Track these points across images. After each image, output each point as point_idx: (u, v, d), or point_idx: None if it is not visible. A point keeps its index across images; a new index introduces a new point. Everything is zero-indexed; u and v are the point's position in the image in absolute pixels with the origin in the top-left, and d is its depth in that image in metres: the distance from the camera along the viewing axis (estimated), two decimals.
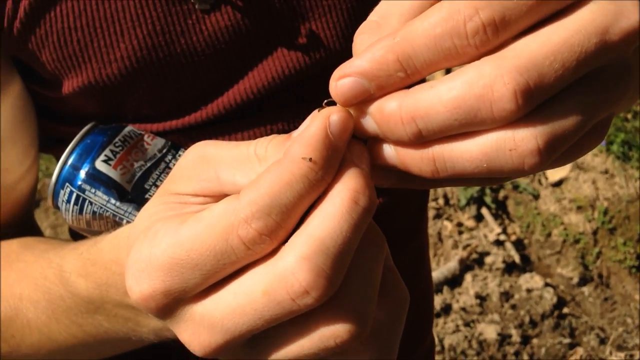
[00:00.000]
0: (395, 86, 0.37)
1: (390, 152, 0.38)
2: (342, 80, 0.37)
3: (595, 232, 2.79)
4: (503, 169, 0.35)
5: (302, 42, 0.66)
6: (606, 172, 2.90)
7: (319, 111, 0.39)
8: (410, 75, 0.36)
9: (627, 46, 0.35)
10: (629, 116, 3.07)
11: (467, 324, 2.52)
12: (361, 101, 0.38)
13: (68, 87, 0.64)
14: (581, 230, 2.79)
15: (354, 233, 0.36)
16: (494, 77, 0.33)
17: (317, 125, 0.37)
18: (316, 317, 0.37)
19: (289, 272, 0.35)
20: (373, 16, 0.40)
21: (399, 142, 0.38)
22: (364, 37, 0.40)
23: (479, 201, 2.82)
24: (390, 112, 0.36)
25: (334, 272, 0.35)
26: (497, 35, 0.34)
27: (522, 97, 0.33)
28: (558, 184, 2.90)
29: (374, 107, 0.37)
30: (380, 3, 0.40)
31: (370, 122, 0.38)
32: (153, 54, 0.62)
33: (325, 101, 0.40)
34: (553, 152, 0.35)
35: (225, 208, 0.37)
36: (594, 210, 2.83)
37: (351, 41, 0.66)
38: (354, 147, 0.39)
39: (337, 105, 0.39)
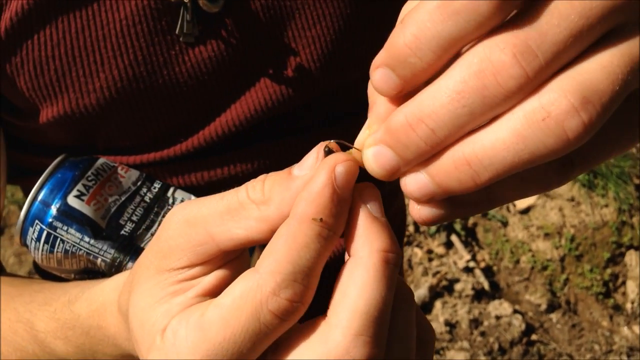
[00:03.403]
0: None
1: (424, 180, 0.35)
2: (376, 73, 0.35)
3: (562, 259, 2.82)
4: (546, 146, 0.31)
5: (286, 73, 0.64)
6: (572, 199, 2.94)
7: (326, 148, 0.37)
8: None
9: None
10: None
11: (436, 352, 2.50)
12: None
13: (43, 116, 0.61)
14: (549, 257, 2.81)
15: (390, 292, 0.35)
16: (489, 49, 0.31)
17: (322, 180, 0.35)
18: None
19: (343, 352, 0.34)
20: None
21: (421, 157, 0.34)
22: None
23: (448, 228, 2.83)
24: (397, 125, 0.34)
25: (382, 336, 0.35)
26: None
27: (524, 57, 0.30)
28: (526, 211, 2.93)
29: (383, 130, 0.35)
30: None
31: (386, 151, 0.35)
32: (134, 85, 0.59)
33: (326, 147, 0.38)
34: (594, 110, 0.30)
35: (247, 286, 0.35)
36: (561, 237, 2.85)
37: (334, 72, 0.66)
38: (364, 191, 0.38)
39: (340, 153, 0.37)
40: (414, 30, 0.32)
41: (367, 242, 0.36)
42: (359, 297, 0.34)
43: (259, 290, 0.34)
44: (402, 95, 0.36)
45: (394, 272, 0.36)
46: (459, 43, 0.32)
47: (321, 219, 0.35)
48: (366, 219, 0.37)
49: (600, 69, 0.31)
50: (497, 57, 0.31)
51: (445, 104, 0.32)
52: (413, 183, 0.35)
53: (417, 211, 0.38)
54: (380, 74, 0.35)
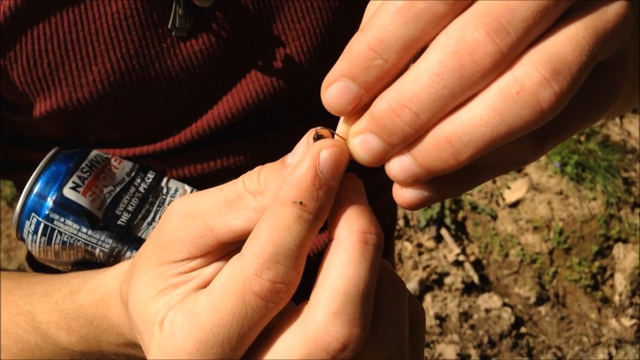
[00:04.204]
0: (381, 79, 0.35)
1: (407, 162, 0.35)
2: (330, 89, 0.36)
3: (551, 252, 2.84)
4: (522, 118, 0.32)
5: (277, 66, 0.65)
6: (561, 193, 2.96)
7: (315, 135, 0.38)
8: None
9: None
10: (582, 138, 3.15)
11: (426, 345, 2.52)
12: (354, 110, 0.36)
13: (36, 110, 0.61)
14: (537, 251, 2.84)
15: (371, 273, 0.35)
16: (463, 29, 0.32)
17: (305, 165, 0.36)
18: None
19: (323, 332, 0.34)
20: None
21: (406, 140, 0.35)
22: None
23: (438, 222, 2.84)
24: (381, 111, 0.34)
25: (364, 317, 0.35)
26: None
27: (497, 34, 0.31)
28: (515, 204, 2.95)
29: (367, 118, 0.35)
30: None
31: (372, 138, 0.36)
32: (127, 78, 0.59)
33: (316, 133, 0.38)
34: (564, 81, 0.31)
35: (232, 270, 0.36)
36: (549, 230, 2.88)
37: (325, 64, 0.66)
38: (346, 181, 0.38)
39: (328, 139, 0.37)
40: (376, 33, 0.33)
41: (347, 224, 0.37)
42: (338, 276, 0.35)
43: (242, 273, 0.35)
44: (356, 112, 0.36)
45: (375, 253, 0.36)
46: (420, 42, 0.33)
47: (301, 202, 0.35)
48: (346, 204, 0.37)
49: (567, 41, 0.32)
50: (471, 36, 0.31)
51: (426, 86, 0.33)
52: (397, 166, 0.36)
53: (400, 195, 0.38)
54: (337, 88, 0.35)
